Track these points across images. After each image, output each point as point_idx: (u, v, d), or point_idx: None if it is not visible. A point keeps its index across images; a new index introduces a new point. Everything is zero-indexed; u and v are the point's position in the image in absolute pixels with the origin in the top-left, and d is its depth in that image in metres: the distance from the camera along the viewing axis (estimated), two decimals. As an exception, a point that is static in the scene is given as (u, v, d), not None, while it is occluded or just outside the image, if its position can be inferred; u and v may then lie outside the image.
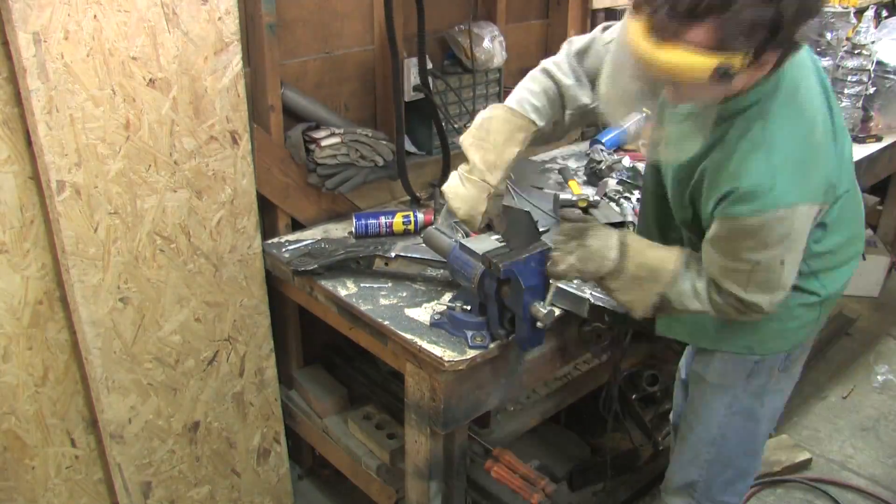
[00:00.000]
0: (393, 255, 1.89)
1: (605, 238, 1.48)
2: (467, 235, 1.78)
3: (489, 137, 1.57)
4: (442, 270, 1.89)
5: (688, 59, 1.12)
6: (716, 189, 1.35)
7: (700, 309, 1.47)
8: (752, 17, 1.10)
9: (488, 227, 1.64)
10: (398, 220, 2.14)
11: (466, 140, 1.60)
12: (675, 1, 1.10)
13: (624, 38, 1.20)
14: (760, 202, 1.29)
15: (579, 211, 2.18)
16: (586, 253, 1.46)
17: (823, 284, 1.59)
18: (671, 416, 2.09)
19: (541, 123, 1.60)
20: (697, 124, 1.31)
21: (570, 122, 1.65)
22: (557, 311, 1.56)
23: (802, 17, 1.15)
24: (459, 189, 1.59)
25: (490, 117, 1.60)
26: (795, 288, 1.50)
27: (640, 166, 2.57)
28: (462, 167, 1.61)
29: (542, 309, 1.51)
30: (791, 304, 1.53)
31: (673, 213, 1.57)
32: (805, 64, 1.40)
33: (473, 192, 1.58)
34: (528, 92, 1.61)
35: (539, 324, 1.51)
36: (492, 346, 1.65)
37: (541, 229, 1.78)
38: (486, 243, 1.65)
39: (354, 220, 2.13)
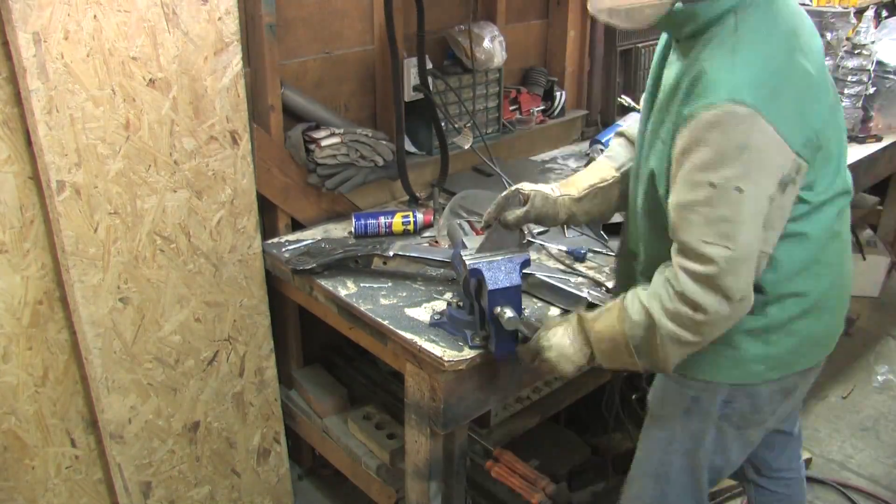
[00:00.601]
0: (391, 253, 1.89)
1: (558, 341, 1.47)
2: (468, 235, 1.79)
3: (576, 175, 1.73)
4: (442, 270, 1.89)
5: None
6: (678, 97, 1.31)
7: (666, 332, 1.34)
8: None
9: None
10: (398, 221, 2.14)
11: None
12: None
13: None
14: (715, 94, 1.23)
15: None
16: (551, 364, 1.49)
17: (776, 318, 1.43)
18: None
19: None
20: None
21: None
22: (524, 326, 1.51)
23: None
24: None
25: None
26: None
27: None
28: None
29: (506, 313, 1.47)
30: (732, 329, 1.39)
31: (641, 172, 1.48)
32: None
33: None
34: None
35: (506, 328, 1.48)
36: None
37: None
38: (479, 244, 1.66)
39: (354, 221, 2.13)
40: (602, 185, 1.66)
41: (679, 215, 1.31)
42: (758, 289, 1.36)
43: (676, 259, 1.33)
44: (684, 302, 1.30)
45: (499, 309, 1.48)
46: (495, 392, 1.77)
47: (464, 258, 1.54)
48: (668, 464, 1.61)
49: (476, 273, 1.50)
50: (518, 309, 1.50)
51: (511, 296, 1.50)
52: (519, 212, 1.64)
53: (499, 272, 1.50)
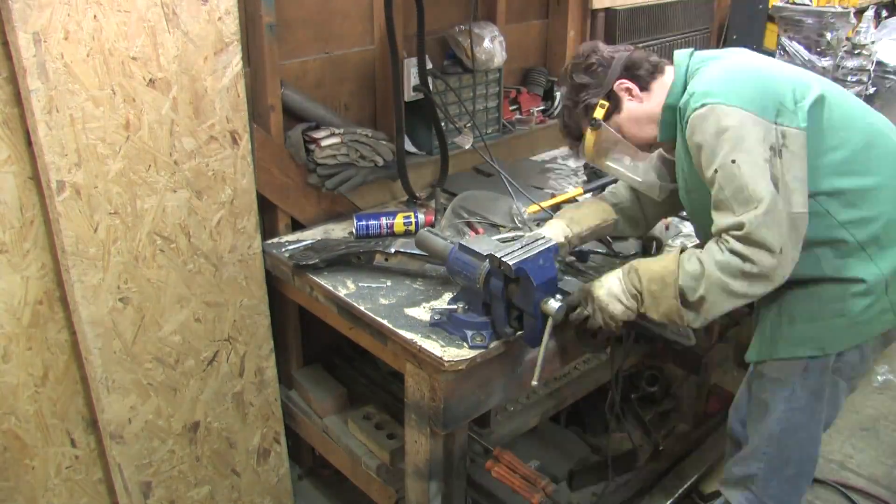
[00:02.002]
0: (393, 250, 1.90)
1: (609, 281, 1.64)
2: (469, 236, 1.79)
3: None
4: (443, 268, 1.89)
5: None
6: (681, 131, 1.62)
7: (715, 279, 1.51)
8: (567, 100, 1.79)
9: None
10: (399, 221, 2.14)
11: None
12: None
13: None
14: (703, 98, 1.53)
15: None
16: (601, 303, 1.62)
17: (868, 265, 1.60)
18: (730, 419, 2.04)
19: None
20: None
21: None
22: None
23: (595, 68, 1.74)
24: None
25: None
26: (833, 280, 1.61)
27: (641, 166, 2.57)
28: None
29: (553, 305, 1.54)
30: (833, 297, 1.62)
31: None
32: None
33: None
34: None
35: (555, 318, 1.55)
36: (492, 345, 1.65)
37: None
38: (485, 243, 1.66)
39: (355, 221, 2.13)
40: (603, 225, 1.92)
41: (714, 207, 1.55)
42: (858, 245, 1.58)
43: (717, 221, 1.55)
44: (734, 254, 1.48)
45: (546, 301, 1.55)
46: (495, 392, 1.77)
47: (499, 257, 1.55)
48: (788, 423, 1.74)
49: (521, 271, 1.52)
50: (553, 295, 1.57)
51: (553, 286, 1.58)
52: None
53: (537, 265, 1.55)
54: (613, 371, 2.00)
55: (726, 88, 1.53)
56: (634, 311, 1.61)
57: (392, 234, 2.13)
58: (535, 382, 1.62)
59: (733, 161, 1.48)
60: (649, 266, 1.61)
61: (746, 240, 1.47)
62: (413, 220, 2.15)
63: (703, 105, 1.52)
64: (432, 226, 2.17)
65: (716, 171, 1.50)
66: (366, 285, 1.89)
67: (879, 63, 2.83)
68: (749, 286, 1.50)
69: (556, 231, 1.85)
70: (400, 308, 1.79)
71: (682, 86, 1.65)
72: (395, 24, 2.11)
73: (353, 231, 2.13)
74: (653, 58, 1.77)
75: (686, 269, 1.54)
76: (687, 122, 1.56)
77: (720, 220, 1.52)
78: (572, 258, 2.02)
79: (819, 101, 1.57)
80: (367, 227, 2.13)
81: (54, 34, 1.56)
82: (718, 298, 1.53)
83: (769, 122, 1.49)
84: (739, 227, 1.47)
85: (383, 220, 2.13)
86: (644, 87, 1.73)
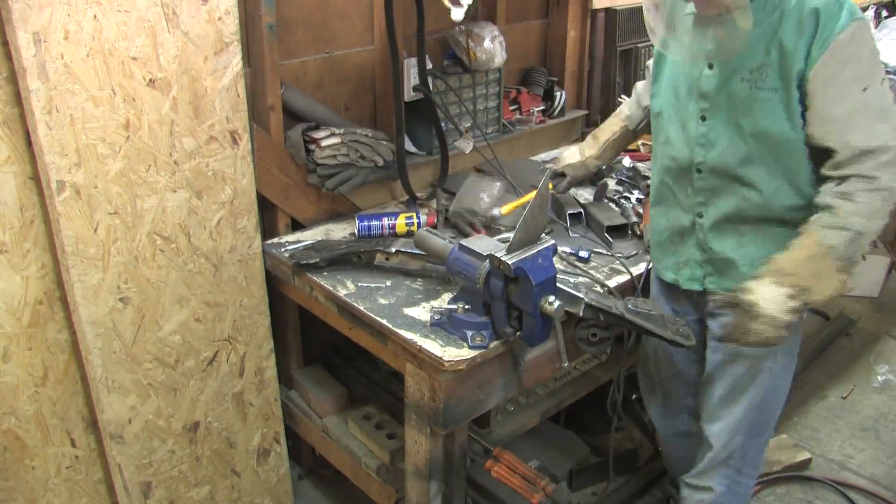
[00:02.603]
0: (393, 249, 1.90)
1: (766, 290, 1.50)
2: (467, 235, 1.79)
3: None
4: (444, 267, 1.89)
5: None
6: (804, 33, 1.50)
7: (851, 213, 1.48)
8: None
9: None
10: (401, 222, 2.13)
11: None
12: None
13: None
14: (840, 19, 1.47)
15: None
16: (763, 314, 1.48)
17: None
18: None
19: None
20: (740, 14, 1.48)
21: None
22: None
23: None
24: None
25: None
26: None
27: (640, 166, 2.58)
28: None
29: (552, 304, 1.54)
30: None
31: (733, 114, 1.62)
32: None
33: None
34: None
35: (555, 317, 1.55)
36: (492, 345, 1.65)
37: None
38: (486, 243, 1.66)
39: (357, 221, 2.12)
40: (614, 137, 2.19)
41: (842, 127, 1.49)
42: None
43: (848, 170, 1.49)
44: (878, 192, 1.47)
45: (545, 301, 1.55)
46: (495, 392, 1.77)
47: (498, 257, 1.55)
48: (767, 390, 1.79)
49: (519, 271, 1.52)
50: (552, 294, 1.57)
51: (552, 285, 1.58)
52: (562, 185, 2.24)
53: (536, 264, 1.54)
54: (617, 371, 2.01)
55: (862, 14, 1.53)
56: (800, 309, 1.52)
57: (394, 235, 2.13)
58: (565, 364, 1.66)
59: (882, 82, 1.49)
60: (789, 255, 1.53)
61: (892, 164, 1.46)
62: (415, 220, 2.14)
63: (856, 18, 1.48)
64: (434, 226, 2.17)
65: (864, 89, 1.48)
66: (365, 285, 1.89)
67: (879, 63, 2.83)
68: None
69: (572, 153, 2.23)
70: (400, 308, 1.79)
71: None
72: (395, 24, 2.11)
73: (355, 231, 2.13)
74: None
75: (824, 230, 1.50)
76: (835, 26, 1.47)
77: (856, 143, 1.48)
78: (579, 234, 2.18)
79: None
80: (370, 227, 2.12)
81: (54, 34, 1.56)
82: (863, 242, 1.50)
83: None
84: (883, 150, 1.46)
85: (385, 221, 2.13)
86: None
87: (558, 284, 1.63)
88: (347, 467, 2.21)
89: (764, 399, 1.80)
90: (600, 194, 2.37)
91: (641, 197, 2.38)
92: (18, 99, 1.61)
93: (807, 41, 1.49)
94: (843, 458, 2.75)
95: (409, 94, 2.30)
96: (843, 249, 1.48)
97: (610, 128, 2.21)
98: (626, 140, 2.22)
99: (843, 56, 1.47)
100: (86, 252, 1.72)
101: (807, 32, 1.49)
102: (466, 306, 1.67)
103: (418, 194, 2.33)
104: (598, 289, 1.90)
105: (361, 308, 1.79)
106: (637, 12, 3.02)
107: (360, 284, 1.89)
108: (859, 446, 2.82)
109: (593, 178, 2.45)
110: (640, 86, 2.16)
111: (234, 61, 1.86)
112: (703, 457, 1.90)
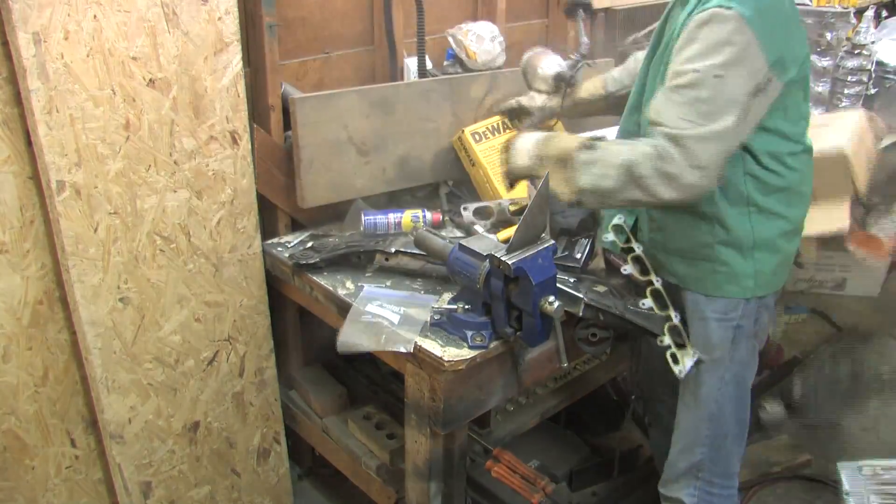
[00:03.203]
0: (393, 249, 1.89)
1: (525, 136, 1.69)
2: (468, 235, 1.79)
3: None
4: (444, 267, 1.89)
5: None
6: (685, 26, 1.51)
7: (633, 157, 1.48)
8: None
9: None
10: (407, 219, 2.12)
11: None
12: None
13: None
14: (710, 2, 1.45)
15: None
16: (510, 153, 1.69)
17: (762, 235, 1.63)
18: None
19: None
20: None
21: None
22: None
23: None
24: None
25: None
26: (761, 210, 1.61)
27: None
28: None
29: (552, 304, 1.54)
30: (722, 246, 1.64)
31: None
32: None
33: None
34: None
35: (555, 317, 1.55)
36: (492, 345, 1.65)
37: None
38: (486, 243, 1.66)
39: (363, 217, 2.11)
40: (589, 98, 2.08)
41: (662, 100, 1.49)
42: (746, 200, 1.59)
43: (663, 115, 1.49)
44: (656, 150, 1.46)
45: (545, 301, 1.55)
46: (495, 392, 1.77)
47: (498, 257, 1.55)
48: (722, 399, 1.76)
49: (519, 271, 1.52)
50: (556, 295, 1.57)
51: (552, 285, 1.58)
52: (528, 124, 2.17)
53: (536, 264, 1.54)
54: (632, 372, 2.01)
55: (757, 9, 1.44)
56: (534, 163, 1.66)
57: (400, 232, 2.11)
58: (565, 364, 1.68)
59: (718, 76, 1.42)
60: (562, 138, 1.66)
61: (676, 140, 1.43)
62: (421, 217, 2.13)
63: (723, 6, 1.43)
64: (440, 224, 2.16)
65: (695, 70, 1.43)
66: (364, 285, 1.89)
67: (879, 63, 2.82)
68: (655, 181, 1.46)
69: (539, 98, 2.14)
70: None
71: None
72: (395, 24, 2.11)
73: (362, 227, 2.11)
74: None
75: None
76: (704, 6, 1.46)
77: (663, 119, 1.46)
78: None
79: (804, 79, 1.58)
80: (375, 223, 2.11)
81: (54, 34, 1.56)
82: (619, 177, 1.50)
83: (766, 64, 1.45)
84: (678, 130, 1.43)
85: (391, 217, 2.11)
86: None
87: (558, 284, 1.63)
88: (347, 467, 2.21)
89: (720, 408, 1.76)
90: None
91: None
92: (18, 99, 1.61)
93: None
94: (844, 459, 2.75)
95: (409, 94, 2.29)
96: (591, 176, 1.53)
97: (587, 89, 2.11)
98: (596, 107, 2.12)
99: (692, 32, 1.46)
100: (86, 252, 1.72)
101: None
102: (466, 306, 1.67)
103: (419, 193, 2.33)
104: (598, 289, 1.90)
105: (361, 308, 1.79)
106: (637, 12, 3.02)
107: (360, 285, 1.89)
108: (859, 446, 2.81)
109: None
110: (640, 55, 2.04)
111: (234, 61, 1.87)
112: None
